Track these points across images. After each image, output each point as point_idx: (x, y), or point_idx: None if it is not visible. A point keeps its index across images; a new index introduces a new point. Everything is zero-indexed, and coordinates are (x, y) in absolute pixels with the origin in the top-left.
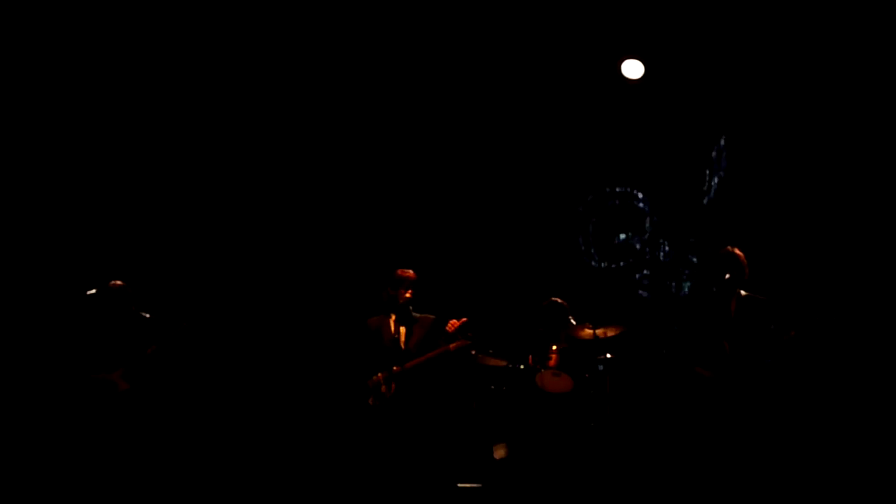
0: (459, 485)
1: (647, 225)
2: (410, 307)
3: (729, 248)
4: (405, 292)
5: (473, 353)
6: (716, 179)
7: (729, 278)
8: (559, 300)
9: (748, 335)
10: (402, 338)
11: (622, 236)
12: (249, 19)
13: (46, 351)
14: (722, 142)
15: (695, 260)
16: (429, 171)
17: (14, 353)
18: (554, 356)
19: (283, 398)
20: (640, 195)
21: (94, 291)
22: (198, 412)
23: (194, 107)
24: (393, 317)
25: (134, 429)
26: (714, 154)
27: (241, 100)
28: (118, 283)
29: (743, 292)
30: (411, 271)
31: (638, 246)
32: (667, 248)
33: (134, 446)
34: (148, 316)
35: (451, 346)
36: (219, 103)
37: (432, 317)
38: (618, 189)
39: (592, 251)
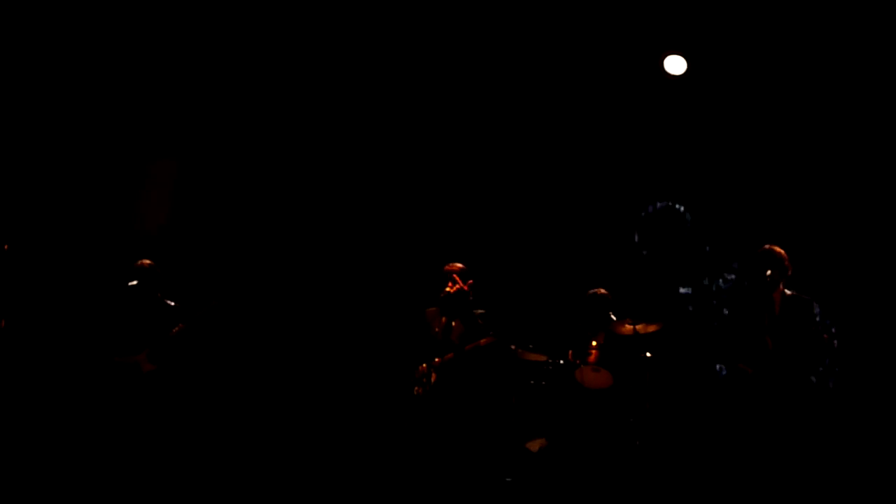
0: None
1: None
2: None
3: (768, 245)
4: (447, 285)
5: (513, 347)
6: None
7: (770, 275)
8: (602, 291)
9: (792, 334)
10: (452, 331)
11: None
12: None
13: (73, 334)
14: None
15: (735, 260)
16: (475, 167)
17: (42, 335)
18: (594, 352)
19: (330, 385)
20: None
21: (135, 283)
22: (229, 395)
23: (251, 96)
24: None
25: (161, 410)
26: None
27: (298, 89)
28: (146, 262)
29: (787, 291)
30: (457, 265)
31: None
32: (708, 246)
33: (162, 427)
34: (173, 304)
35: (482, 342)
36: (276, 89)
37: (482, 311)
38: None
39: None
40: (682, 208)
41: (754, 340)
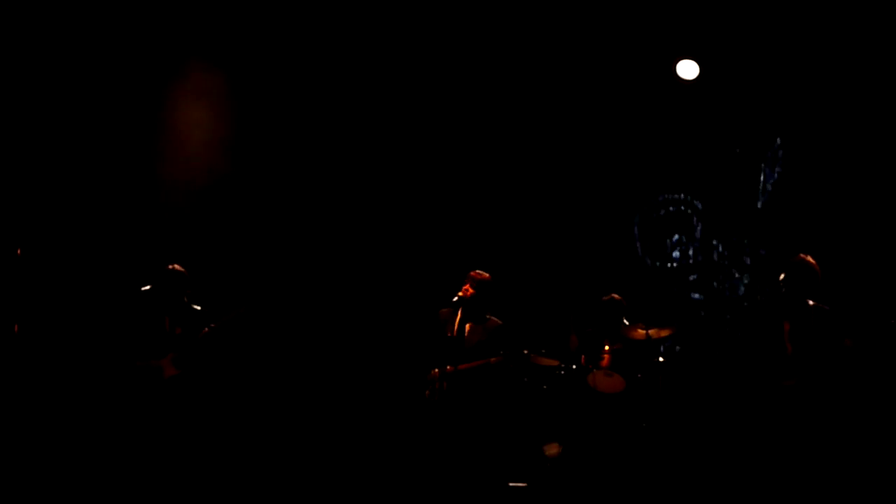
0: (511, 484)
1: (699, 228)
2: (482, 308)
3: (802, 255)
4: (465, 289)
5: (526, 352)
6: (770, 181)
7: (784, 280)
8: (617, 296)
9: (810, 344)
10: (464, 336)
11: (675, 238)
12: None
13: (98, 338)
14: (777, 142)
15: (748, 261)
16: (492, 173)
17: (57, 340)
18: (606, 356)
19: (343, 385)
20: (694, 200)
21: (148, 288)
22: (248, 398)
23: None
24: (459, 313)
25: (181, 415)
26: (769, 155)
27: (337, 92)
28: (177, 267)
29: (811, 302)
30: (481, 272)
31: (691, 249)
32: (720, 250)
33: (181, 432)
34: (199, 308)
35: (492, 360)
36: (305, 91)
37: (499, 321)
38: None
39: (644, 254)
40: (694, 213)
41: (773, 348)
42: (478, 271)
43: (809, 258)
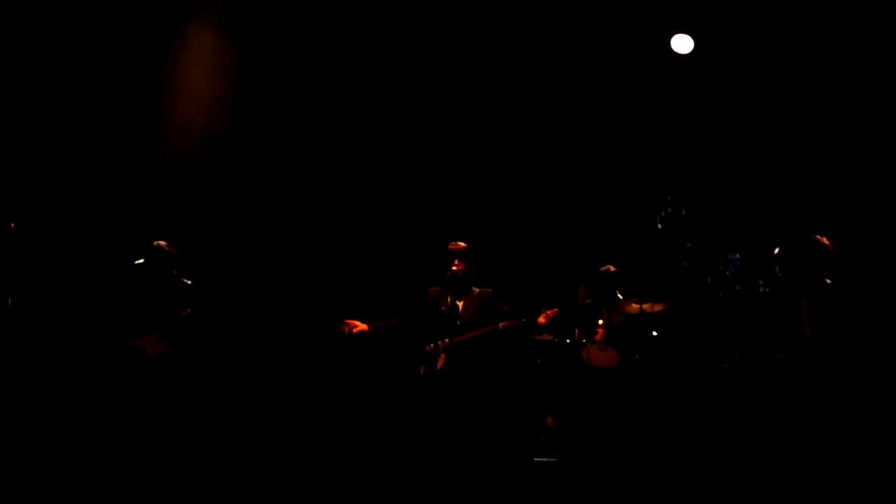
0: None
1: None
2: (468, 280)
3: (817, 236)
4: (453, 264)
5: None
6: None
7: (777, 255)
8: (612, 268)
9: (828, 324)
10: (458, 310)
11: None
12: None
13: (83, 313)
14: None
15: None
16: (482, 144)
17: (50, 315)
18: (601, 331)
19: (332, 363)
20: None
21: (141, 261)
22: (236, 376)
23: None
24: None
25: (166, 393)
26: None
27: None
28: (161, 243)
29: (828, 280)
30: (461, 244)
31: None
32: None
33: (164, 414)
34: (190, 282)
35: (501, 325)
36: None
37: (489, 290)
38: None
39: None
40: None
41: (792, 329)
42: (455, 243)
43: (823, 238)
